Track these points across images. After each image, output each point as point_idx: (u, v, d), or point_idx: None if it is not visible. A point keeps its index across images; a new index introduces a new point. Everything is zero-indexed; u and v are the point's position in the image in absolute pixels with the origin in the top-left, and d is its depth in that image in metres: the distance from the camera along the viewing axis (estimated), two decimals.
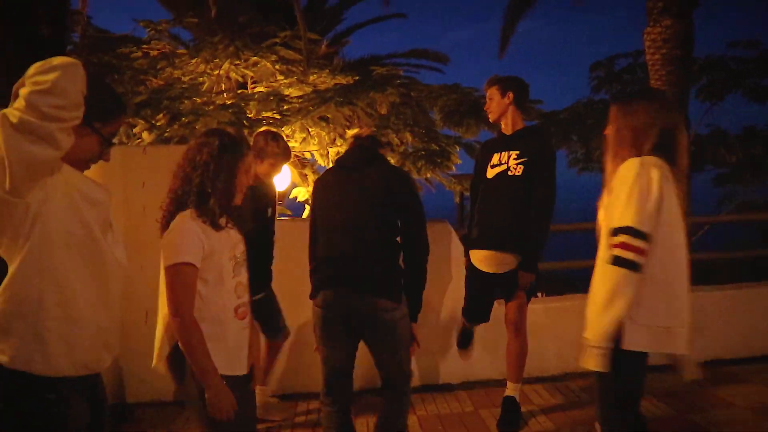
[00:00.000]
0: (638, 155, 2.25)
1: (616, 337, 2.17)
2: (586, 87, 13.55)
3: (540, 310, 4.44)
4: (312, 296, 2.79)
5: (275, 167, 3.69)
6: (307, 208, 9.64)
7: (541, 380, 4.34)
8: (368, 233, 2.68)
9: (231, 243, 2.19)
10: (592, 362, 2.17)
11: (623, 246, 2.13)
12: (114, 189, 3.31)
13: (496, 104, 3.60)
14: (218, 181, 2.10)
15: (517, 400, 3.70)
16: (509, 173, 3.51)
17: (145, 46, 8.11)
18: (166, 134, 6.82)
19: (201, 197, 2.11)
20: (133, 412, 3.92)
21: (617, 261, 2.14)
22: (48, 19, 3.15)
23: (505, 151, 3.57)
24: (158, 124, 7.17)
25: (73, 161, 1.76)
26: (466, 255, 3.77)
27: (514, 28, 12.93)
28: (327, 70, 8.62)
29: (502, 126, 3.65)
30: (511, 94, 3.58)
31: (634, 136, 2.29)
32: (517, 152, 3.51)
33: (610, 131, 2.41)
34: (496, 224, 3.55)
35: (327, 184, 2.89)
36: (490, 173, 3.61)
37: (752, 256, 8.41)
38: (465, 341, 4.02)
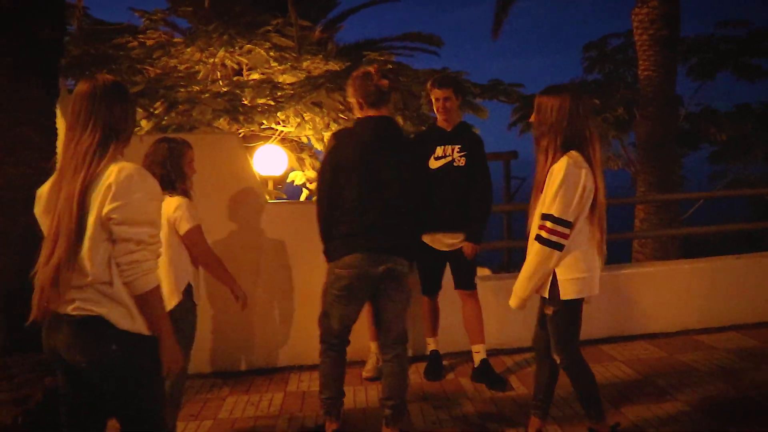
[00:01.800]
0: (555, 147, 2.75)
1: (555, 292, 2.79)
2: (579, 67, 13.69)
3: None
4: (333, 259, 3.11)
5: None
6: (305, 192, 9.87)
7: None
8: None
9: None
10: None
11: (549, 230, 2.71)
12: None
13: (453, 105, 4.04)
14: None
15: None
16: (454, 164, 4.01)
17: (141, 35, 8.29)
18: (163, 122, 7.04)
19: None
20: None
21: (543, 241, 2.73)
22: (47, 21, 3.36)
23: (448, 144, 4.03)
24: (156, 112, 7.39)
25: None
26: None
27: (507, 10, 13.06)
28: (320, 56, 8.79)
29: (442, 121, 4.08)
30: (460, 97, 4.14)
31: (549, 130, 2.77)
32: (460, 146, 4.02)
33: (533, 121, 2.90)
34: (448, 209, 4.00)
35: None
36: (434, 164, 4.03)
37: (746, 230, 8.67)
38: (435, 371, 4.24)
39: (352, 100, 3.15)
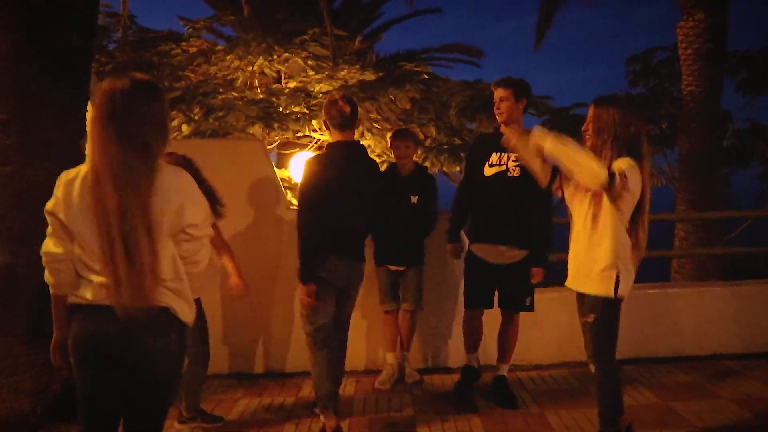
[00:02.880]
0: (612, 157, 2.83)
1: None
2: (623, 81, 13.40)
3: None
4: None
5: None
6: None
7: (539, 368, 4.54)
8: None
9: None
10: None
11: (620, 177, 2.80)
12: None
13: (510, 107, 3.70)
14: None
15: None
16: (508, 174, 3.76)
17: (184, 43, 8.55)
18: (201, 128, 7.23)
19: None
20: None
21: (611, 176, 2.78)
22: (78, 29, 3.49)
23: (504, 152, 3.74)
24: (195, 118, 7.59)
25: None
26: (452, 242, 4.09)
27: (549, 22, 12.89)
28: (357, 66, 8.89)
29: (504, 127, 3.75)
30: (524, 101, 3.75)
31: (608, 139, 2.84)
32: (517, 155, 3.64)
33: (587, 131, 2.95)
34: (500, 220, 3.80)
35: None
36: (488, 171, 3.81)
37: None
38: (465, 390, 4.06)
39: (324, 123, 3.48)
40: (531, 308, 3.89)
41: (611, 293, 2.87)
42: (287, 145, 8.83)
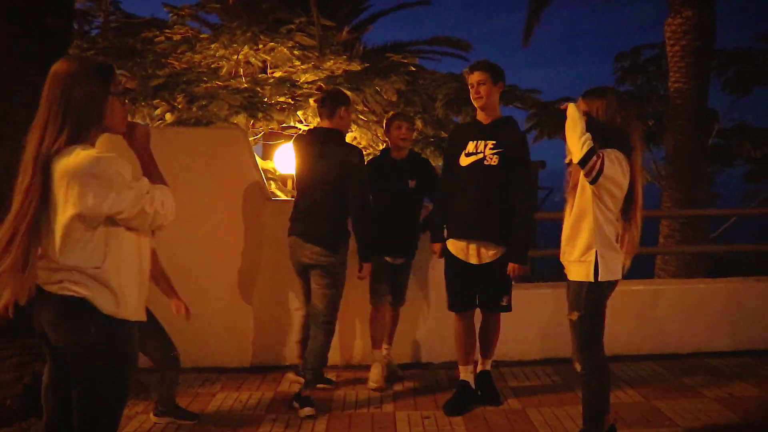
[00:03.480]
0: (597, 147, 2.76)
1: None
2: (611, 78, 13.39)
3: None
4: None
5: None
6: None
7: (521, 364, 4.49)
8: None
9: None
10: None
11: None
12: None
13: (488, 90, 3.55)
14: None
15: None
16: (485, 162, 3.54)
17: (168, 30, 8.38)
18: (183, 117, 7.10)
19: None
20: None
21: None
22: (53, 9, 3.37)
23: (481, 140, 3.58)
24: (180, 107, 7.44)
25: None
26: (437, 242, 3.83)
27: (538, 18, 12.86)
28: (344, 57, 8.77)
29: (480, 114, 3.66)
30: (502, 84, 3.64)
31: (594, 131, 2.79)
32: (494, 142, 3.54)
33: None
34: (476, 214, 3.58)
35: None
36: (465, 161, 3.61)
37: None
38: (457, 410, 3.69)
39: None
40: (508, 308, 3.70)
41: (591, 277, 2.84)
42: (272, 136, 8.71)
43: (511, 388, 4.05)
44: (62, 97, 1.90)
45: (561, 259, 3.04)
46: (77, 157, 1.86)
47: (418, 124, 7.85)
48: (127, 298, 1.97)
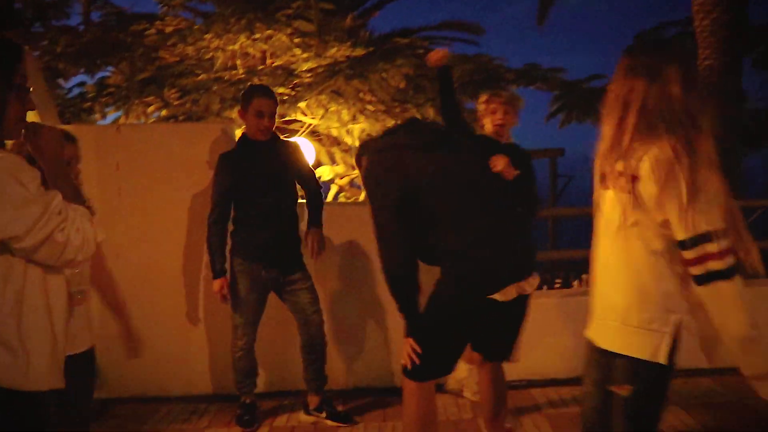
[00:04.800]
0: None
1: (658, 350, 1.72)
2: None
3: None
4: None
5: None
6: (334, 188, 9.29)
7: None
8: None
9: None
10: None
11: (714, 257, 1.64)
12: (87, 171, 3.05)
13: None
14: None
15: None
16: None
17: (159, 22, 7.89)
18: (175, 112, 6.61)
19: None
20: (108, 408, 3.69)
21: (718, 275, 1.64)
22: None
23: None
24: (175, 103, 6.95)
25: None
26: None
27: None
28: (348, 43, 8.20)
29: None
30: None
31: (668, 110, 1.71)
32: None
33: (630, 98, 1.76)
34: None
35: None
36: None
37: None
38: None
39: None
40: None
41: (660, 357, 1.73)
42: (278, 130, 8.18)
43: (545, 414, 3.48)
44: None
45: (597, 314, 1.89)
46: None
47: (430, 112, 7.27)
48: (35, 360, 1.43)
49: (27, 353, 1.41)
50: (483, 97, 3.30)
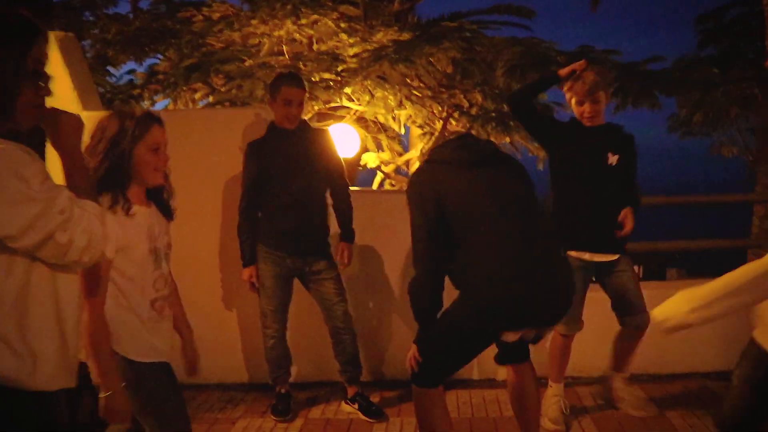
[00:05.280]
0: None
1: None
2: (692, 43, 12.12)
3: None
4: None
5: None
6: (380, 175, 9.20)
7: None
8: None
9: (151, 234, 2.01)
10: None
11: None
12: None
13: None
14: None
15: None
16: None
17: (206, 9, 7.91)
18: (220, 98, 6.62)
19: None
20: None
21: None
22: None
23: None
24: (222, 90, 6.96)
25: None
26: None
27: None
28: (395, 27, 8.05)
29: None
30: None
31: None
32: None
33: None
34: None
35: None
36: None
37: None
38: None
39: None
40: None
41: None
42: (324, 116, 8.12)
43: (591, 416, 3.32)
44: None
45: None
46: None
47: (478, 97, 7.06)
48: (41, 359, 1.35)
49: (32, 351, 1.33)
50: (566, 86, 3.08)
